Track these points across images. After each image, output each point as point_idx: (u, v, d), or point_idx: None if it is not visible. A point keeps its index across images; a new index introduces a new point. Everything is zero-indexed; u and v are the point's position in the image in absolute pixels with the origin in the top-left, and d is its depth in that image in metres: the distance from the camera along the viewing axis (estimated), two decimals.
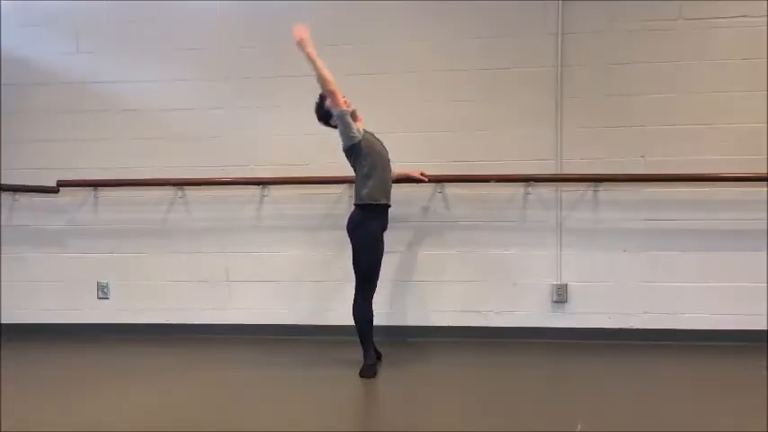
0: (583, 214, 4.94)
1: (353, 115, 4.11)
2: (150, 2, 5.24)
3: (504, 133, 4.99)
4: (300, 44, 3.99)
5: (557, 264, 4.96)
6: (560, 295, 4.95)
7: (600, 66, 4.91)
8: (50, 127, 5.31)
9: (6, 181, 5.27)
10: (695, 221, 4.85)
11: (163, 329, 5.20)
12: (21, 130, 5.32)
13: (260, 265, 5.17)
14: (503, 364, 4.45)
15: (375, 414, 3.69)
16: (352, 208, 4.16)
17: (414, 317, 5.07)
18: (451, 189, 5.02)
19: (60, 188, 5.20)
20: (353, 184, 4.21)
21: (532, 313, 4.98)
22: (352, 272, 4.15)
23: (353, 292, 4.17)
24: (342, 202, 4.99)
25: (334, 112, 4.03)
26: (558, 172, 4.93)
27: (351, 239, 4.13)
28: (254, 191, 5.18)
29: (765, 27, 4.76)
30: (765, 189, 4.76)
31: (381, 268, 4.23)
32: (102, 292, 5.30)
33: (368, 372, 4.07)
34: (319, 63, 3.97)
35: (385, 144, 4.28)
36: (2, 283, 5.33)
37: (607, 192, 4.91)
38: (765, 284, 4.77)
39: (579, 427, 3.17)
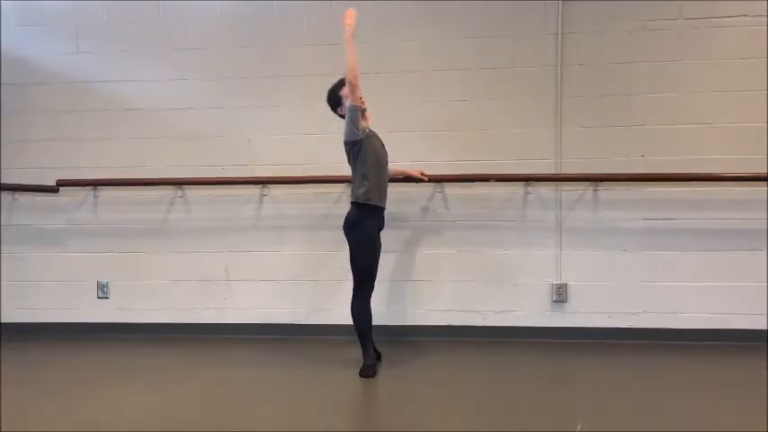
0: (582, 214, 4.95)
1: (363, 114, 4.11)
2: (150, 2, 5.24)
3: (503, 133, 4.99)
4: (346, 27, 3.97)
5: (556, 263, 4.96)
6: (560, 295, 4.95)
7: (600, 66, 4.91)
8: (50, 127, 5.31)
9: (6, 180, 5.27)
10: (695, 221, 4.85)
11: (162, 329, 5.20)
12: (21, 130, 5.32)
13: (260, 264, 5.17)
14: (502, 364, 4.45)
15: (375, 414, 3.69)
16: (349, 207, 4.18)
17: (413, 316, 5.07)
18: (451, 189, 5.03)
19: (60, 188, 5.20)
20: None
21: (532, 313, 4.99)
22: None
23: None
24: (341, 201, 4.98)
25: (347, 103, 4.02)
26: (558, 172, 4.93)
27: (347, 239, 4.14)
28: (253, 190, 5.18)
29: (765, 27, 4.76)
30: (765, 189, 4.76)
31: (381, 268, 4.23)
32: (102, 291, 5.31)
33: (368, 371, 4.07)
34: (352, 51, 3.94)
35: (385, 143, 4.29)
36: (2, 282, 5.33)
37: (607, 191, 4.92)
38: (765, 284, 4.77)
39: (579, 427, 3.17)
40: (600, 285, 4.93)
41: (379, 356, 4.34)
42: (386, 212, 4.28)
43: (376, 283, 4.25)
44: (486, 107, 5.00)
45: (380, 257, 4.25)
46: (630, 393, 3.77)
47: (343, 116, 4.11)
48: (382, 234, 4.30)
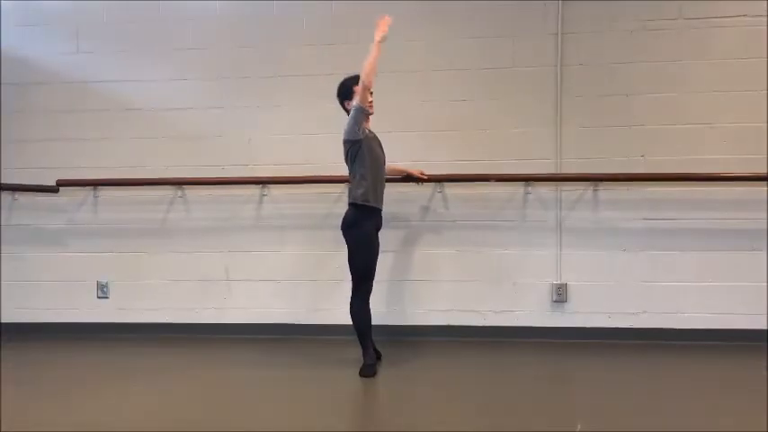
0: (582, 214, 4.95)
1: (367, 117, 4.11)
2: (150, 2, 5.24)
3: (503, 133, 4.99)
4: (378, 31, 4.03)
5: (556, 263, 4.96)
6: (560, 295, 4.95)
7: (600, 66, 4.91)
8: (50, 127, 5.31)
9: (6, 180, 5.27)
10: (695, 221, 4.85)
11: (162, 329, 5.20)
12: (21, 130, 5.32)
13: (260, 264, 5.17)
14: (502, 364, 4.45)
15: (375, 414, 3.69)
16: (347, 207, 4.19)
17: (413, 316, 5.07)
18: (451, 188, 5.02)
19: (60, 188, 5.20)
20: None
21: (532, 313, 4.99)
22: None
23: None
24: (341, 201, 4.97)
25: (355, 103, 4.03)
26: (558, 171, 4.93)
27: (345, 239, 4.14)
28: (253, 190, 5.18)
29: (765, 27, 4.76)
30: (765, 189, 4.76)
31: (381, 267, 4.23)
32: (102, 291, 5.31)
33: (368, 371, 4.07)
34: (376, 56, 3.98)
35: (385, 143, 4.30)
36: (2, 282, 5.33)
37: (607, 191, 4.92)
38: (765, 284, 4.77)
39: (579, 427, 3.17)
40: (600, 285, 4.93)
41: (379, 356, 4.34)
42: (386, 212, 4.28)
43: (376, 283, 4.25)
44: (486, 107, 5.00)
45: (380, 257, 4.25)
46: (630, 393, 3.77)
47: (348, 111, 4.11)
48: (382, 234, 4.30)
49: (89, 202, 5.31)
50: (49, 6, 5.32)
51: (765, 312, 4.77)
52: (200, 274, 5.22)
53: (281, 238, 5.16)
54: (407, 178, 4.81)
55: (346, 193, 4.34)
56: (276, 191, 5.17)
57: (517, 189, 4.98)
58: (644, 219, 4.89)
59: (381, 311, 4.95)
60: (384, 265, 4.66)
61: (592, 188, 4.92)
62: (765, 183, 4.73)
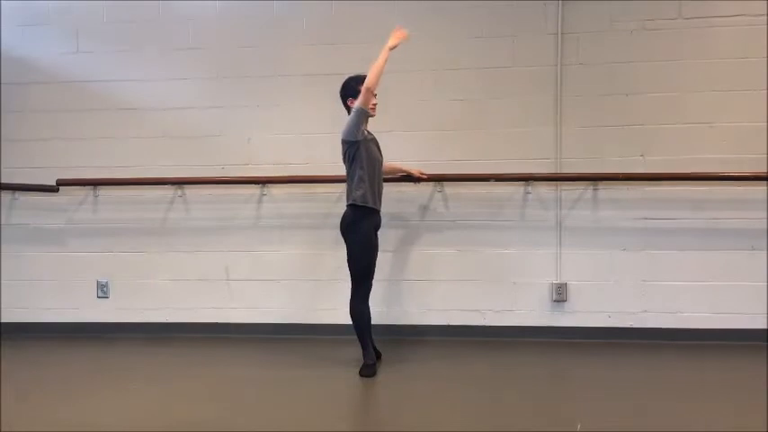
0: (582, 213, 4.95)
1: (366, 119, 4.11)
2: (150, 2, 5.24)
3: (503, 132, 4.99)
4: (392, 39, 4.10)
5: (556, 263, 4.96)
6: (560, 294, 4.96)
7: (600, 66, 4.91)
8: (50, 126, 5.31)
9: (6, 180, 5.27)
10: (695, 220, 4.85)
11: (162, 328, 5.20)
12: (21, 130, 5.32)
13: (259, 263, 5.17)
14: (502, 364, 4.45)
15: (375, 414, 3.70)
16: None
17: (413, 316, 5.07)
18: (451, 188, 5.02)
19: (60, 187, 5.20)
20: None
21: (532, 312, 4.99)
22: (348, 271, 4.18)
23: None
24: (341, 201, 4.95)
25: (357, 105, 4.04)
26: (558, 171, 4.94)
27: (344, 239, 4.15)
28: (253, 190, 5.18)
29: (765, 27, 4.76)
30: (765, 188, 4.76)
31: (381, 267, 4.23)
32: (102, 291, 5.31)
33: (367, 371, 4.08)
34: (383, 62, 4.02)
35: (385, 143, 4.30)
36: (1, 281, 5.33)
37: (606, 191, 4.92)
38: (765, 284, 4.77)
39: (579, 427, 3.17)
40: (600, 285, 4.93)
41: (379, 356, 4.35)
42: (385, 212, 4.29)
43: (376, 283, 4.26)
44: (486, 107, 4.99)
45: (380, 257, 4.26)
46: (630, 393, 3.76)
47: (349, 109, 4.12)
48: (382, 233, 4.31)
49: (89, 202, 5.31)
50: (49, 6, 5.31)
51: (765, 312, 4.77)
52: (201, 273, 5.22)
53: (280, 237, 5.16)
54: (407, 178, 4.81)
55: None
56: (276, 190, 5.17)
57: (517, 189, 4.98)
58: (644, 218, 4.89)
59: (381, 311, 4.95)
60: (384, 264, 4.65)
61: (591, 188, 4.92)
62: (765, 183, 4.74)
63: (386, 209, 4.28)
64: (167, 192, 5.25)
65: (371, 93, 4.02)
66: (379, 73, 4.00)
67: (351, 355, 4.33)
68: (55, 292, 5.32)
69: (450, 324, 5.04)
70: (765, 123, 4.77)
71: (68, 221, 5.33)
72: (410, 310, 5.08)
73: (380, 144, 4.28)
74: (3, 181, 5.26)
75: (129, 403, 3.69)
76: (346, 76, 4.21)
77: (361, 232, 4.11)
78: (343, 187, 4.91)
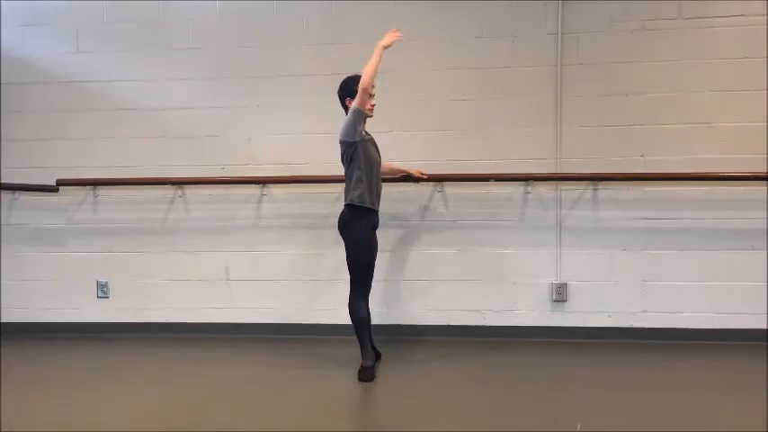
0: (582, 213, 4.95)
1: (364, 120, 4.11)
2: (150, 2, 5.24)
3: (503, 132, 4.99)
4: (387, 38, 4.07)
5: (556, 263, 4.96)
6: (560, 294, 4.96)
7: (600, 66, 4.91)
8: (50, 126, 5.31)
9: (6, 180, 5.27)
10: (695, 220, 4.85)
11: (162, 329, 5.20)
12: (21, 130, 5.32)
13: (259, 263, 5.18)
14: (502, 364, 4.45)
15: (375, 414, 3.70)
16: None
17: (413, 316, 5.07)
18: (451, 188, 5.02)
19: (60, 187, 5.20)
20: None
21: (532, 312, 4.99)
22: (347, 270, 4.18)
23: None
24: (341, 201, 4.95)
25: (353, 106, 4.04)
26: (558, 171, 4.93)
27: (343, 238, 4.15)
28: (253, 190, 5.18)
29: (765, 27, 4.76)
30: (765, 188, 4.76)
31: (380, 267, 4.23)
32: (102, 291, 5.31)
33: (366, 375, 4.04)
34: (377, 62, 4.01)
35: (385, 143, 4.30)
36: (1, 281, 5.33)
37: (607, 191, 4.92)
38: (765, 284, 4.77)
39: (579, 427, 3.17)
40: (600, 285, 4.93)
41: (378, 356, 4.35)
42: (385, 212, 4.29)
43: (375, 283, 4.26)
44: (486, 107, 4.99)
45: (380, 256, 4.26)
46: (630, 393, 3.76)
47: (347, 109, 4.12)
48: (381, 233, 4.30)
49: (89, 202, 5.31)
50: (49, 6, 5.31)
51: (765, 312, 4.77)
52: (200, 273, 5.22)
53: (280, 237, 5.16)
54: (406, 178, 4.81)
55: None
56: (276, 190, 5.17)
57: (517, 188, 4.98)
58: (644, 218, 4.89)
59: (381, 311, 4.96)
60: (383, 264, 4.65)
61: (591, 188, 4.92)
62: (765, 183, 4.74)
63: (386, 209, 4.28)
64: (167, 192, 5.25)
65: (368, 93, 4.01)
66: (374, 72, 3.99)
67: (350, 356, 4.33)
68: (55, 292, 5.32)
69: (450, 324, 5.04)
70: (765, 123, 4.77)
71: (68, 221, 5.33)
72: (410, 310, 5.08)
73: (380, 144, 4.28)
74: (3, 181, 5.26)
75: (129, 403, 3.69)
76: (348, 76, 4.21)
77: (359, 231, 4.11)
78: (342, 187, 4.93)
